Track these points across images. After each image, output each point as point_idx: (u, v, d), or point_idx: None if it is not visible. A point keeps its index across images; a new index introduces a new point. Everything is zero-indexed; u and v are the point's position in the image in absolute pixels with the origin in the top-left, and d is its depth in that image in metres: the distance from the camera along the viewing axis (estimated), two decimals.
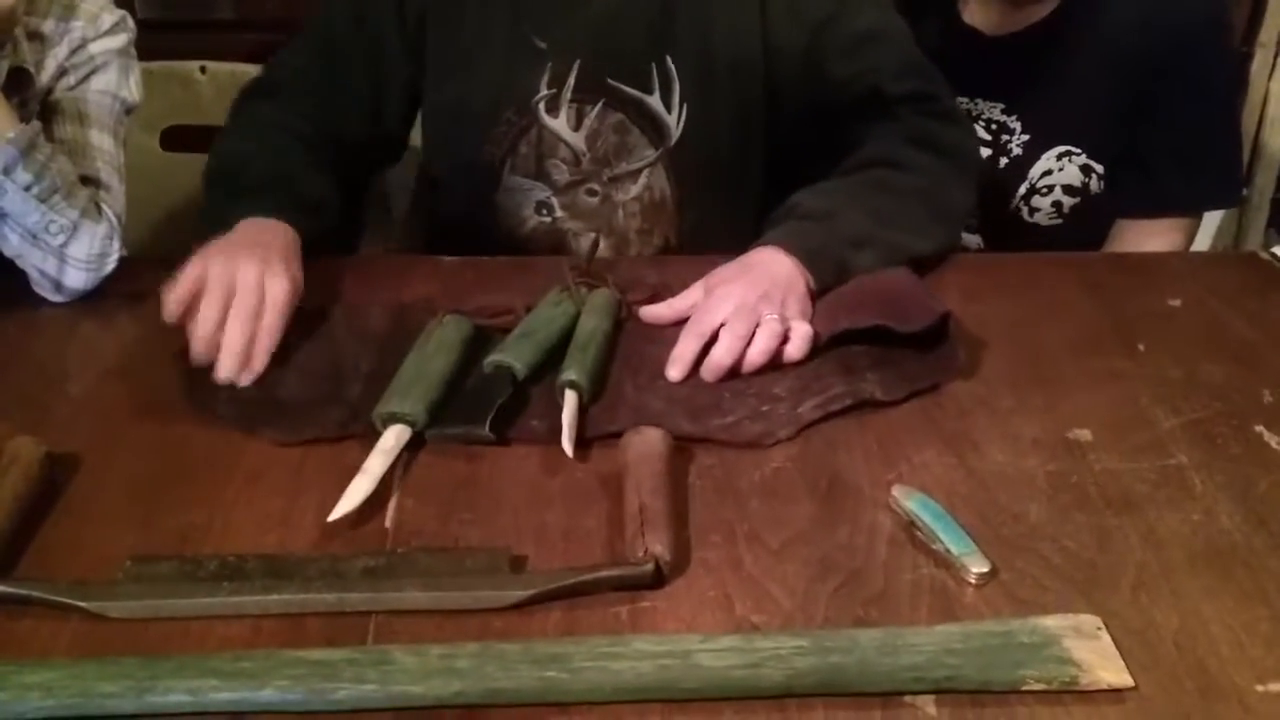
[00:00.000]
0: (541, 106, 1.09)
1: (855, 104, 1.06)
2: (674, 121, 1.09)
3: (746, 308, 0.86)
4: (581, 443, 0.76)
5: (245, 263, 0.86)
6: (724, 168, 1.11)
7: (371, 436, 0.77)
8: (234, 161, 1.03)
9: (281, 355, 0.86)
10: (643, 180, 1.12)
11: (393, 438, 0.76)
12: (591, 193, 1.13)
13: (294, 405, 0.81)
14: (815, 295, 0.92)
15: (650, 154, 1.11)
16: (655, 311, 0.92)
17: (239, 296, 0.85)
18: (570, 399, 0.79)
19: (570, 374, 0.80)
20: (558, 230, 1.14)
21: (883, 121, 1.05)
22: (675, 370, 0.85)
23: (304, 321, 0.90)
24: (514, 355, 0.82)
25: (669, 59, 1.07)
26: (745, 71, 1.07)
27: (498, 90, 1.09)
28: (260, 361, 0.84)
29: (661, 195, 1.13)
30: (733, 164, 1.11)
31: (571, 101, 1.09)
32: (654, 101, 1.08)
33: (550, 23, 1.07)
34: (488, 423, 0.77)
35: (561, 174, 1.12)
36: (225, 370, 0.83)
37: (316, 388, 0.84)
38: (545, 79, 1.08)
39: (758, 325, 0.85)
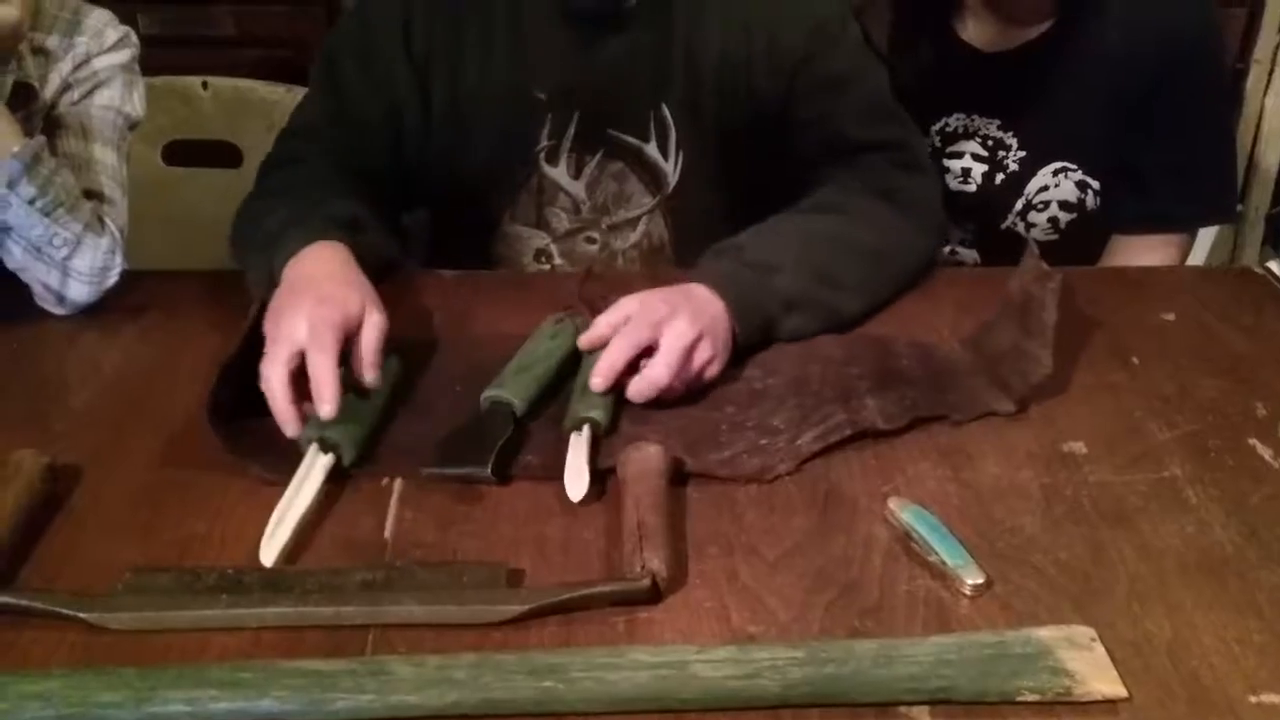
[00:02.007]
0: (542, 156, 1.09)
1: (819, 148, 1.06)
2: (671, 169, 1.09)
3: (688, 337, 0.83)
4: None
5: (293, 317, 0.80)
6: (720, 214, 1.10)
7: (357, 477, 0.76)
8: (254, 216, 0.98)
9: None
10: (641, 228, 1.12)
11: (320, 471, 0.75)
12: (590, 240, 1.13)
13: (283, 440, 0.79)
14: (737, 343, 0.89)
15: (648, 201, 1.11)
16: (595, 334, 0.86)
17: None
18: (586, 436, 0.78)
19: (593, 413, 0.79)
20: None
21: (846, 169, 1.04)
22: (599, 380, 0.81)
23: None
24: (512, 391, 0.82)
25: (664, 107, 1.07)
26: (731, 118, 1.07)
27: (499, 140, 1.08)
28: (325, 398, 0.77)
29: (660, 242, 1.13)
30: (728, 210, 1.10)
31: (571, 151, 1.09)
32: (651, 149, 1.08)
33: (550, 74, 1.06)
34: (490, 464, 0.76)
35: (561, 222, 1.12)
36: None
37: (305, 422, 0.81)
38: (546, 129, 1.08)
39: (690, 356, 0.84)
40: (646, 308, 0.85)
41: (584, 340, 0.86)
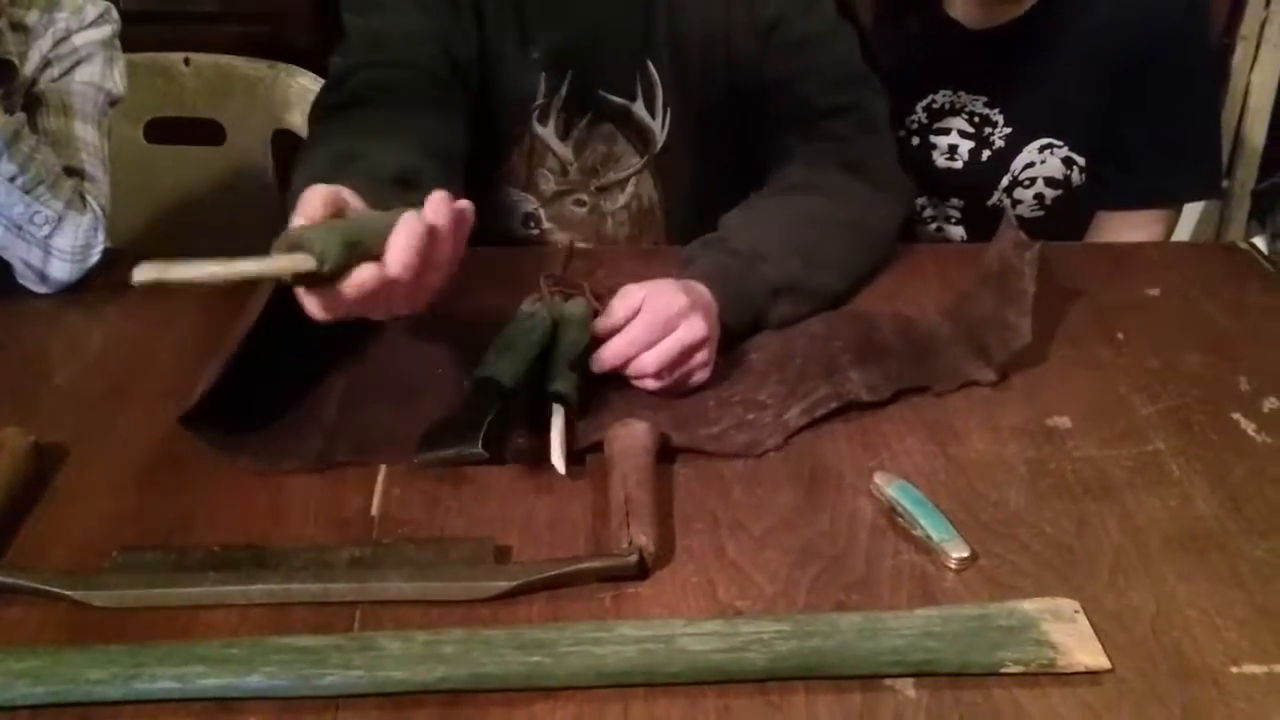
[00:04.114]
0: (535, 115, 1.08)
1: (784, 111, 1.04)
2: (659, 128, 1.09)
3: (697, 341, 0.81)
4: (569, 457, 0.75)
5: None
6: (708, 173, 1.10)
7: (351, 465, 0.76)
8: (298, 166, 0.87)
9: (257, 368, 0.82)
10: (630, 189, 1.12)
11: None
12: (579, 203, 1.13)
13: (271, 429, 0.79)
14: (728, 336, 0.87)
15: (636, 162, 1.11)
16: (611, 323, 0.82)
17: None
18: (559, 413, 0.77)
19: (558, 386, 0.79)
20: (545, 243, 1.14)
21: (813, 140, 1.01)
22: (597, 366, 0.81)
23: (281, 331, 0.80)
24: (497, 370, 0.81)
25: (650, 65, 1.07)
26: (714, 81, 1.07)
27: (497, 99, 1.08)
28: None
29: (650, 203, 1.13)
30: (716, 169, 1.10)
31: (560, 111, 1.08)
32: (638, 108, 1.08)
33: (544, 34, 1.06)
34: (480, 440, 0.75)
35: (549, 184, 1.12)
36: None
37: (291, 408, 0.81)
38: (540, 88, 1.07)
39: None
40: (664, 297, 0.81)
41: (600, 325, 0.82)
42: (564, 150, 1.10)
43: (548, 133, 1.09)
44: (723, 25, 1.05)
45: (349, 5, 1.04)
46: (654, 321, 0.81)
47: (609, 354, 0.81)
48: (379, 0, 1.02)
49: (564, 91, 1.07)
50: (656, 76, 1.07)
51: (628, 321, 0.81)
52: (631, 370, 0.81)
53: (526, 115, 1.08)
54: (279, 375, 0.84)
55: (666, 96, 1.08)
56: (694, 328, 0.81)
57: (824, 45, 1.05)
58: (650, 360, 0.80)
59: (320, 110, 0.97)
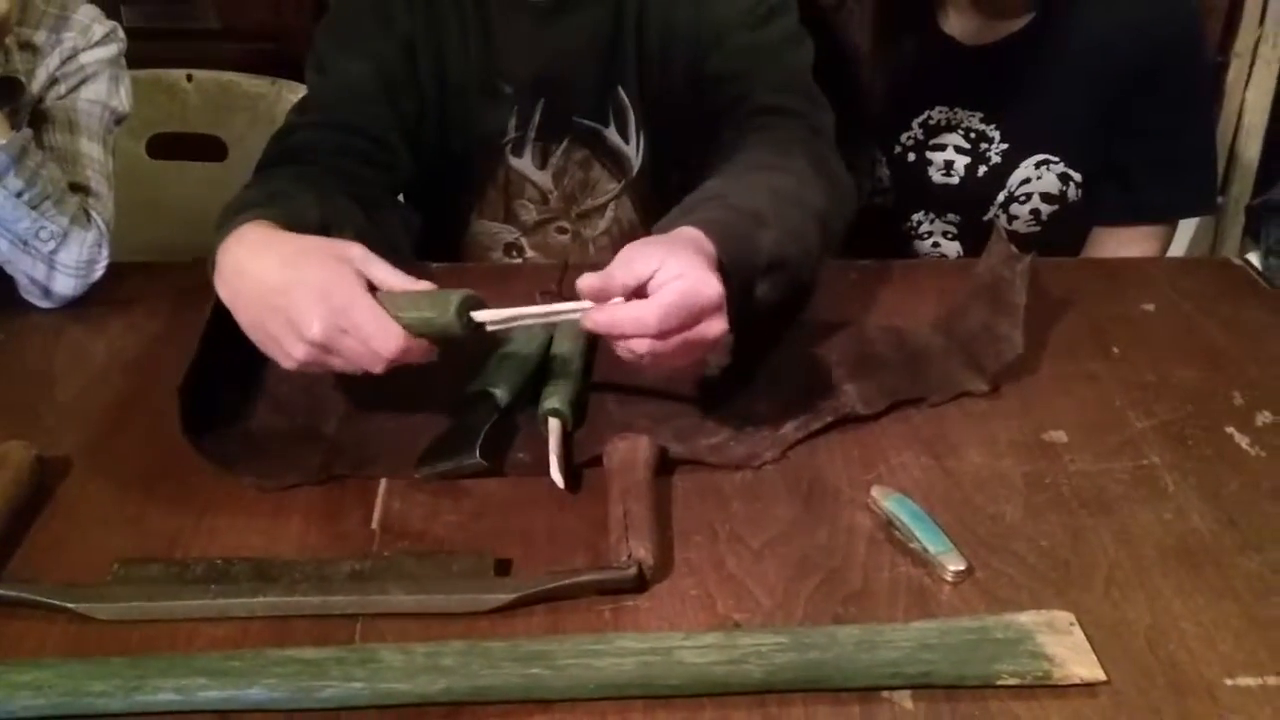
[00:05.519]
0: (508, 149, 1.09)
1: (730, 105, 1.00)
2: (633, 152, 1.09)
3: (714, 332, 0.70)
4: (568, 470, 0.76)
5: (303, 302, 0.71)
6: (686, 193, 1.10)
7: (352, 478, 0.76)
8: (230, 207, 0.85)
9: (256, 383, 0.84)
10: (610, 214, 1.12)
11: None
12: (561, 230, 1.13)
13: (272, 444, 0.80)
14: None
15: (614, 187, 1.11)
16: (616, 282, 0.70)
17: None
18: (555, 428, 0.78)
19: (552, 402, 0.79)
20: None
21: (759, 131, 0.95)
22: (586, 322, 0.70)
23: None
24: (493, 382, 0.82)
25: (620, 89, 1.07)
26: (686, 96, 1.06)
27: (466, 137, 1.08)
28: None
29: (630, 226, 1.13)
30: (693, 188, 1.10)
31: (536, 140, 1.08)
32: (611, 134, 1.08)
33: (515, 67, 1.06)
34: (477, 449, 0.76)
35: (529, 214, 1.12)
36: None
37: (292, 423, 0.82)
38: (512, 122, 1.07)
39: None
40: (696, 277, 0.68)
41: (585, 284, 0.70)
42: (543, 179, 1.10)
43: (524, 164, 1.09)
44: (693, 40, 1.04)
45: (310, 63, 1.05)
46: (676, 310, 0.67)
47: (603, 319, 0.69)
48: (332, 62, 1.03)
49: (537, 119, 1.07)
50: (627, 101, 1.07)
51: (625, 290, 0.69)
52: (620, 347, 0.70)
53: (499, 149, 1.08)
54: (279, 393, 0.84)
55: (639, 121, 1.08)
56: (716, 326, 0.69)
57: (776, 54, 1.02)
58: (644, 348, 0.68)
59: (262, 159, 0.97)
